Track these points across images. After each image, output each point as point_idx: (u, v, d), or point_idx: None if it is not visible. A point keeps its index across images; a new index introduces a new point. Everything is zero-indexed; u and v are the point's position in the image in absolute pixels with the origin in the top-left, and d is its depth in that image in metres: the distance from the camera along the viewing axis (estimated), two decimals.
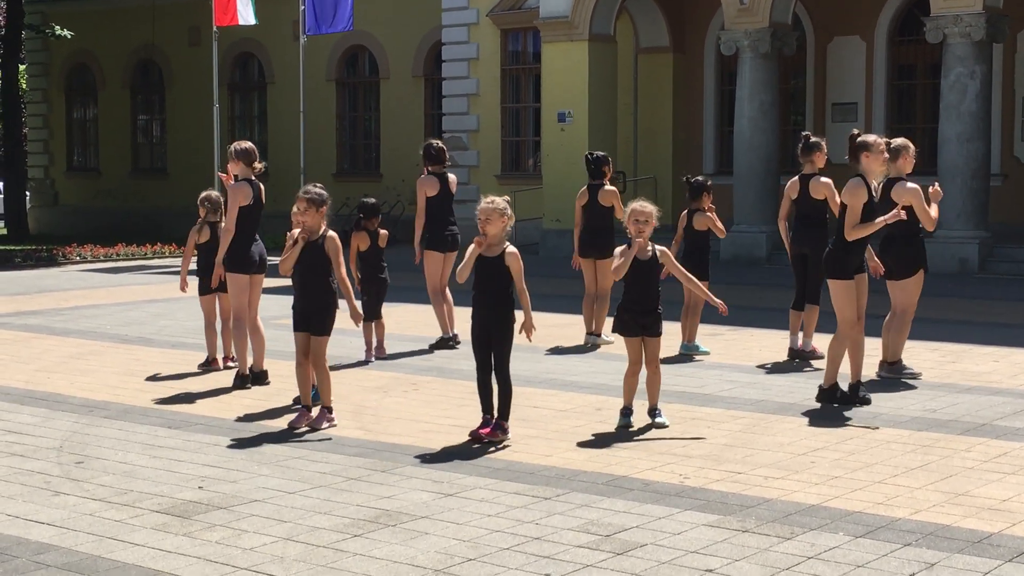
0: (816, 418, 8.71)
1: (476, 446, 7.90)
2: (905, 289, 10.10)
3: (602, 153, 12.66)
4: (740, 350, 11.79)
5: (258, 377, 10.23)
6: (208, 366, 10.98)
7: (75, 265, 23.26)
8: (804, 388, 9.81)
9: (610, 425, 8.48)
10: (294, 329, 8.74)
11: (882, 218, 9.13)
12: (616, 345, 12.03)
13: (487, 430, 8.03)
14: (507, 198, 8.13)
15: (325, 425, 8.49)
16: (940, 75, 20.38)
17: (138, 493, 6.86)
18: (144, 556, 5.78)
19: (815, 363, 10.89)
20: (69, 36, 31.90)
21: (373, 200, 11.77)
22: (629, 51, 25.41)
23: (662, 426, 8.37)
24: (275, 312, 13.74)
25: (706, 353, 11.51)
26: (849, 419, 8.63)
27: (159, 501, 6.69)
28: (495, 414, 8.09)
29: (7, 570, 5.61)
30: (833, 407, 8.98)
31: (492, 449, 7.83)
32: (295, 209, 8.80)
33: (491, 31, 26.50)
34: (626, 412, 8.42)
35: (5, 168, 33.03)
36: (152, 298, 16.98)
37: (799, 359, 11.12)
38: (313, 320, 8.60)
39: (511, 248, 8.01)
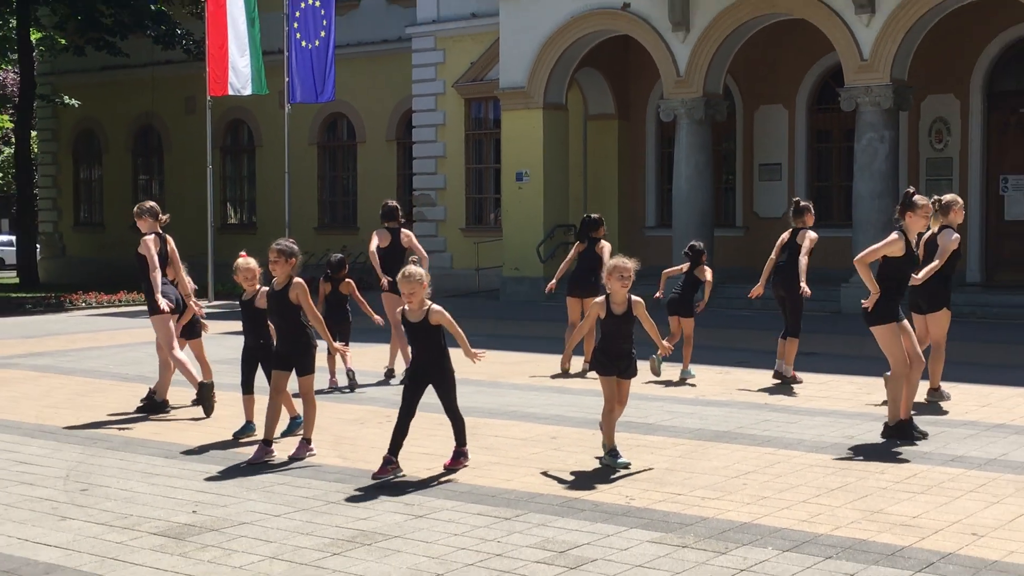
0: (747, 445, 8.73)
1: (442, 472, 7.86)
2: (938, 322, 10.32)
3: (597, 215, 13.00)
4: (680, 384, 11.82)
5: (158, 406, 10.42)
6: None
7: (80, 311, 23.04)
8: (737, 417, 9.84)
9: (565, 452, 8.46)
10: (273, 368, 8.63)
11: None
12: (572, 381, 12.07)
13: (448, 461, 7.94)
14: (413, 258, 7.91)
15: (306, 455, 8.42)
16: (854, 139, 20.61)
17: (137, 517, 6.79)
18: (143, 575, 5.71)
19: (795, 386, 11.56)
20: (76, 105, 31.80)
21: (340, 255, 12.23)
22: (579, 118, 25.55)
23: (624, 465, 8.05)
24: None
25: (693, 376, 12.17)
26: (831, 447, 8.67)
27: (157, 524, 6.62)
28: (397, 457, 7.73)
29: None
30: (909, 442, 8.71)
31: (454, 474, 7.80)
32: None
33: (456, 100, 26.61)
34: (613, 453, 7.97)
35: (18, 223, 32.75)
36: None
37: (784, 382, 11.66)
38: (294, 361, 8.52)
39: (434, 307, 7.71)
